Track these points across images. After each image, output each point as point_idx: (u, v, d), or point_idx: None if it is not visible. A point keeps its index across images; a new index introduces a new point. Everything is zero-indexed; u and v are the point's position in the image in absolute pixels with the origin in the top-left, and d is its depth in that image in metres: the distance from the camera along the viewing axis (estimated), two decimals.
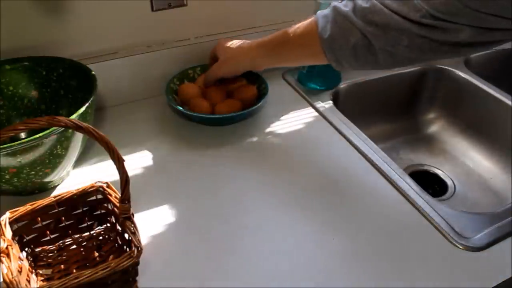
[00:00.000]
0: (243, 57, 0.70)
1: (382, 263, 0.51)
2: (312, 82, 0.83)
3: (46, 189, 0.60)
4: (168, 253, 0.52)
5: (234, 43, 0.71)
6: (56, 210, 0.51)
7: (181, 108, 0.71)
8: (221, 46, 0.72)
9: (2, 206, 0.53)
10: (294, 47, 0.63)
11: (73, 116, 0.52)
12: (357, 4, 0.53)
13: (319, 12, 0.59)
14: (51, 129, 0.50)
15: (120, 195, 0.46)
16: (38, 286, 0.48)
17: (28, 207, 0.49)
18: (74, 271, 0.50)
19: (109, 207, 0.53)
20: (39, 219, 0.50)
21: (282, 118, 0.76)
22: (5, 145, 0.47)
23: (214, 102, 0.73)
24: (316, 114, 0.77)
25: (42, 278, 0.49)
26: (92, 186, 0.52)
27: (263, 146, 0.70)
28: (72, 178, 0.63)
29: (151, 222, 0.56)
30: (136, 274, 0.47)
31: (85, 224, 0.54)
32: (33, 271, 0.49)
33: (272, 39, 0.65)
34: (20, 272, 0.44)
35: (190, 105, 0.72)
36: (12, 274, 0.41)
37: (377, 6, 0.52)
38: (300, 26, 0.61)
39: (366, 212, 0.58)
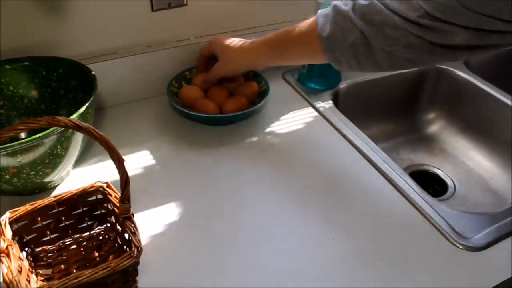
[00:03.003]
0: (244, 57, 0.70)
1: (382, 263, 0.51)
2: (312, 82, 0.83)
3: (46, 189, 0.60)
4: (168, 253, 0.52)
5: (234, 42, 0.71)
6: (56, 210, 0.51)
7: (187, 110, 0.71)
8: (220, 44, 0.71)
9: (2, 206, 0.53)
10: (294, 46, 0.63)
11: (73, 116, 0.52)
12: (357, 3, 0.53)
13: (319, 11, 0.59)
14: (51, 129, 0.50)
15: (120, 195, 0.46)
16: (38, 286, 0.48)
17: (28, 207, 0.49)
18: (74, 271, 0.50)
19: (109, 207, 0.53)
20: (39, 219, 0.50)
21: (282, 118, 0.76)
22: (5, 145, 0.47)
23: (218, 102, 0.73)
24: (316, 114, 0.77)
25: (42, 278, 0.49)
26: (92, 186, 0.52)
27: (263, 146, 0.70)
28: (72, 178, 0.63)
29: (151, 222, 0.56)
30: (136, 274, 0.47)
31: (85, 224, 0.54)
32: (33, 271, 0.49)
33: (272, 38, 0.65)
34: (20, 272, 0.44)
35: (196, 107, 0.72)
36: (12, 274, 0.41)
37: (377, 5, 0.51)
38: (300, 25, 0.61)
39: (366, 212, 0.58)
